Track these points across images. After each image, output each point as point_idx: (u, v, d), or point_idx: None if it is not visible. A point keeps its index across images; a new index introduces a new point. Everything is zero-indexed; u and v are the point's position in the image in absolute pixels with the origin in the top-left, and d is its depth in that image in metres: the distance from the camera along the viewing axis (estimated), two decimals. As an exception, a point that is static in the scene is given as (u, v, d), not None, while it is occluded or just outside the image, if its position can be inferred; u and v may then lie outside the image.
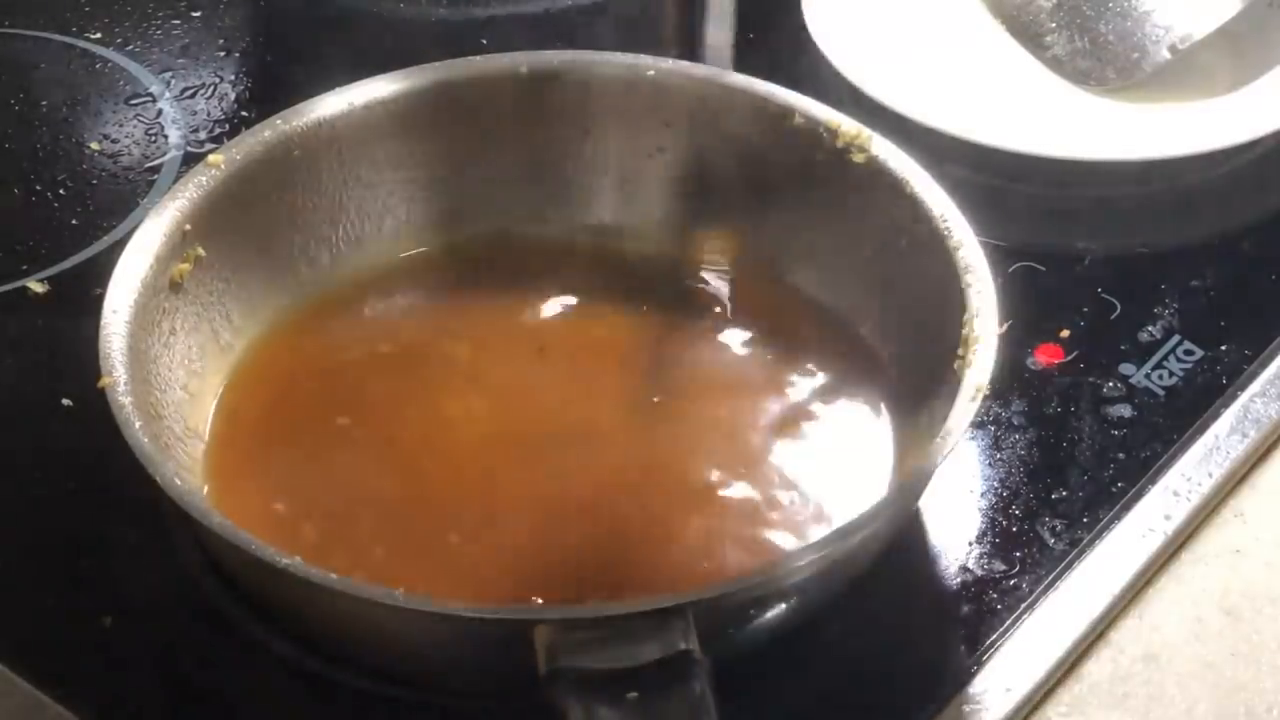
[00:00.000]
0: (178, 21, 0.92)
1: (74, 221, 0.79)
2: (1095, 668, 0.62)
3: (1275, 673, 0.62)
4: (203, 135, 0.84)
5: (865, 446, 0.66)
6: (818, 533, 0.61)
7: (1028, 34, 0.88)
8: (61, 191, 0.81)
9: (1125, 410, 0.69)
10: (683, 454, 0.66)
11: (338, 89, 0.72)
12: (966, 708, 0.60)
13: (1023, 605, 0.62)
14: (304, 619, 0.59)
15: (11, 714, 0.60)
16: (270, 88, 0.87)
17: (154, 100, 0.86)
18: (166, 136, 0.84)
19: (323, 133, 0.71)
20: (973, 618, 0.62)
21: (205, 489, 0.63)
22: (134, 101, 0.86)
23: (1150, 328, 0.73)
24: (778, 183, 0.71)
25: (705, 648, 0.52)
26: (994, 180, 0.78)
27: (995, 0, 0.90)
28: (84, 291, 0.72)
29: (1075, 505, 0.66)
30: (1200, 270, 0.76)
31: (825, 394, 0.68)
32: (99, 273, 0.66)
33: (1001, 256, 0.70)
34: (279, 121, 0.70)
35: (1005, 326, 0.62)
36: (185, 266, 0.66)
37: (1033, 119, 0.83)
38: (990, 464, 0.67)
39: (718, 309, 0.71)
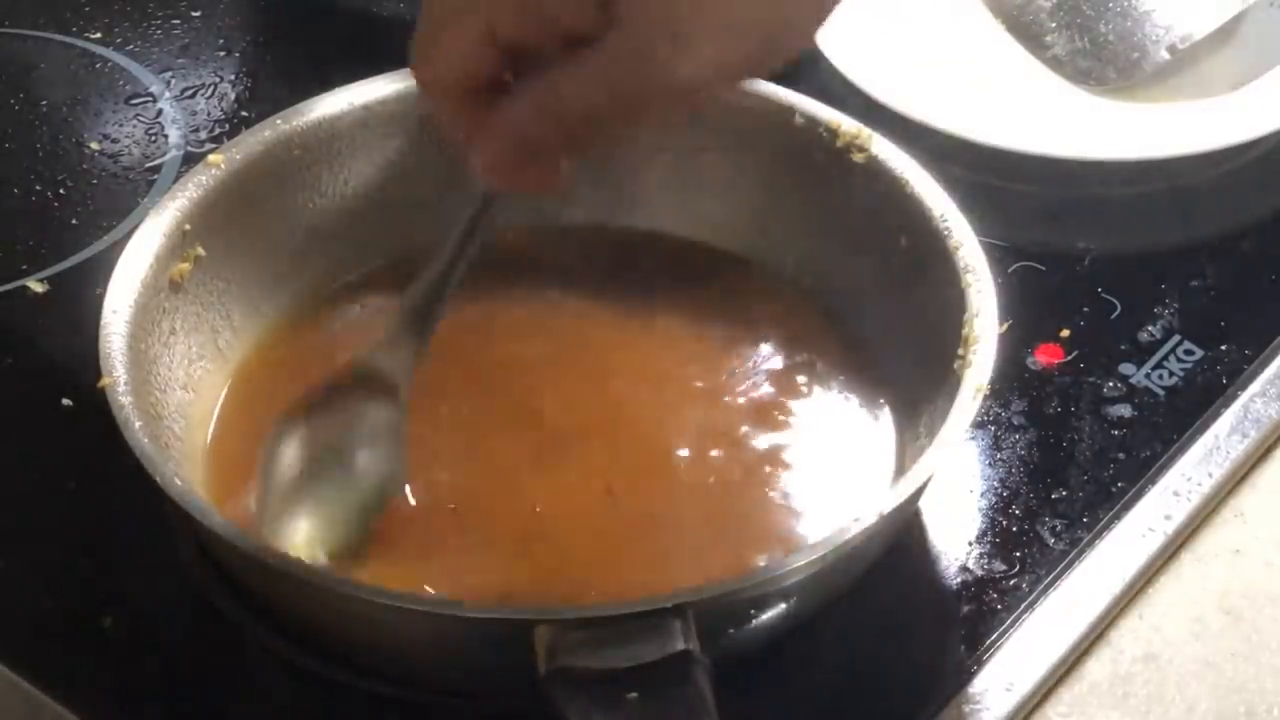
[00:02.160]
0: (178, 21, 0.92)
1: (74, 221, 0.79)
2: (1095, 668, 0.62)
3: (1275, 673, 0.62)
4: (203, 135, 0.84)
5: (865, 446, 0.66)
6: (818, 533, 0.61)
7: (1028, 34, 0.88)
8: (61, 191, 0.81)
9: (1125, 410, 0.69)
10: (682, 453, 0.66)
11: (338, 89, 0.72)
12: (966, 708, 0.60)
13: (1023, 605, 0.62)
14: (304, 619, 0.59)
15: (11, 714, 0.60)
16: (270, 88, 0.87)
17: (154, 100, 0.86)
18: (166, 136, 0.84)
19: (323, 133, 0.71)
20: (973, 618, 0.62)
21: (205, 489, 0.63)
22: (134, 101, 0.87)
23: (1150, 328, 0.73)
24: (778, 182, 0.71)
25: (705, 648, 0.52)
26: (994, 180, 0.78)
27: (995, 0, 0.90)
28: (84, 291, 0.72)
29: (1075, 505, 0.66)
30: (1200, 270, 0.76)
31: (825, 394, 0.68)
32: (99, 273, 0.66)
33: (1001, 256, 0.70)
34: (279, 121, 0.70)
35: (1005, 326, 0.62)
36: (185, 266, 0.66)
37: (1033, 119, 0.83)
38: (990, 464, 0.67)
39: (717, 309, 0.71)
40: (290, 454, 0.61)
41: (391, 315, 0.61)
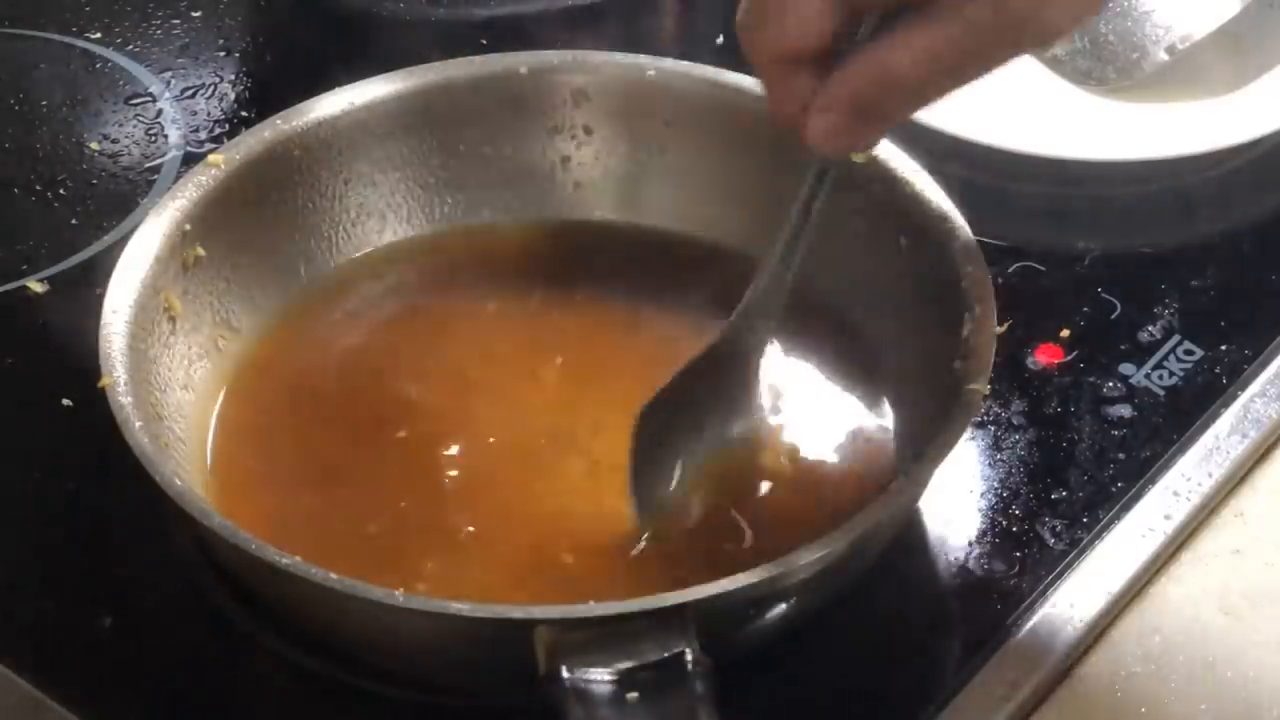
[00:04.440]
0: (178, 21, 0.92)
1: (74, 221, 0.79)
2: (1095, 668, 0.62)
3: (1275, 673, 0.62)
4: (203, 135, 0.84)
5: (865, 446, 0.66)
6: (818, 533, 0.61)
7: (1028, 34, 0.88)
8: (61, 191, 0.81)
9: (1125, 410, 0.69)
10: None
11: (338, 89, 0.72)
12: (966, 708, 0.60)
13: (1023, 605, 0.62)
14: (304, 619, 0.59)
15: (11, 714, 0.60)
16: (270, 88, 0.87)
17: (154, 100, 0.86)
18: (166, 136, 0.84)
19: (323, 133, 0.71)
20: (973, 618, 0.62)
21: (205, 489, 0.63)
22: (134, 101, 0.87)
23: (1150, 328, 0.73)
24: (778, 182, 0.71)
25: (705, 648, 0.52)
26: (994, 180, 0.78)
27: (995, 0, 0.90)
28: (84, 291, 0.72)
29: (1075, 505, 0.66)
30: (1200, 270, 0.76)
31: (825, 394, 0.68)
32: (99, 273, 0.66)
33: (1001, 256, 0.70)
34: (279, 121, 0.70)
35: (1005, 326, 0.62)
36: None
37: (1033, 119, 0.83)
38: (990, 464, 0.67)
39: (717, 309, 0.71)
40: (658, 432, 0.62)
41: (745, 298, 0.62)
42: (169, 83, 0.88)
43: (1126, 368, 0.71)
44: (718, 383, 0.63)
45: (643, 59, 0.73)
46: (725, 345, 0.62)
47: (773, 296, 0.62)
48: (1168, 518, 0.66)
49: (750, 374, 0.64)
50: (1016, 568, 0.64)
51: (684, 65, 0.73)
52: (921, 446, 0.60)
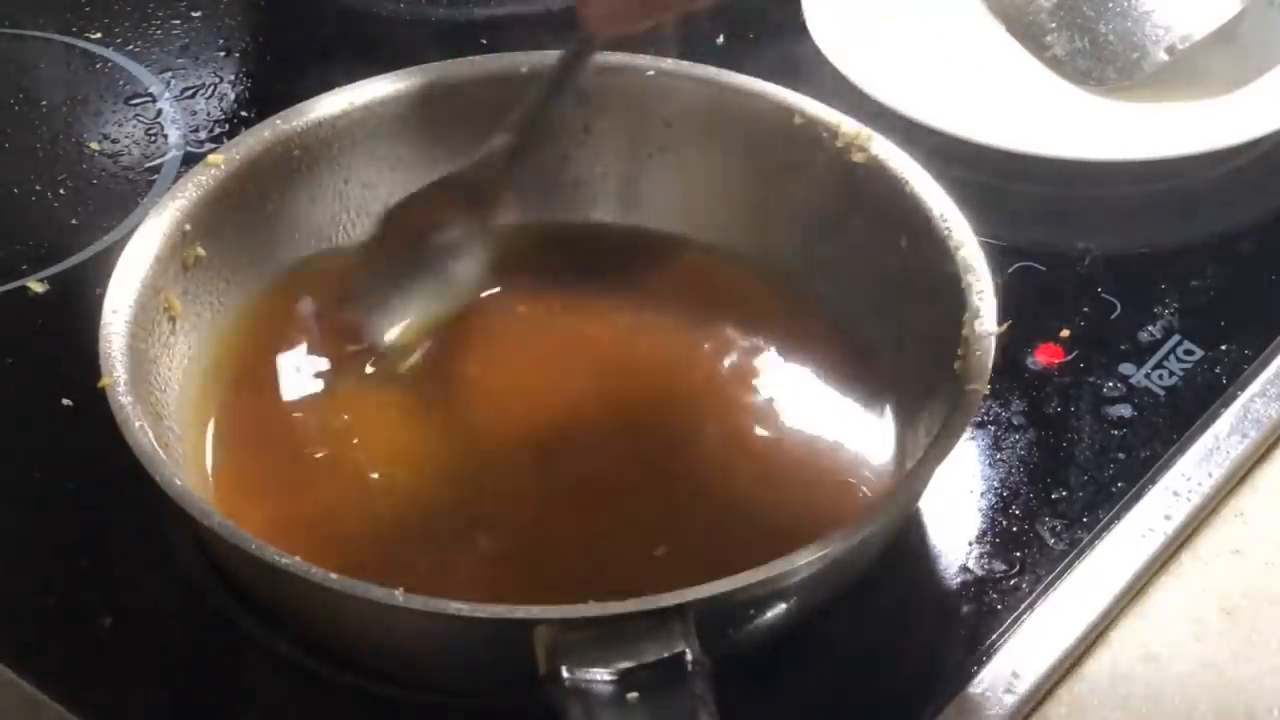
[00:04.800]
0: (178, 21, 0.92)
1: (74, 221, 0.79)
2: (1095, 668, 0.62)
3: (1275, 673, 0.62)
4: (203, 135, 0.84)
5: (865, 447, 0.66)
6: (818, 533, 0.61)
7: (1028, 34, 0.88)
8: (61, 191, 0.81)
9: (1125, 410, 0.69)
10: (682, 453, 0.66)
11: (338, 89, 0.72)
12: (966, 708, 0.60)
13: (1023, 605, 0.63)
14: (304, 619, 0.59)
15: (11, 714, 0.60)
16: (270, 88, 0.87)
17: (154, 100, 0.86)
18: (166, 136, 0.84)
19: (323, 133, 0.71)
20: (973, 618, 0.62)
21: (205, 489, 0.63)
22: (134, 101, 0.87)
23: (1150, 328, 0.73)
24: (778, 183, 0.71)
25: (705, 648, 0.52)
26: (994, 180, 0.78)
27: (995, 0, 0.90)
28: (84, 291, 0.72)
29: (1075, 505, 0.66)
30: (1200, 270, 0.76)
31: (825, 394, 0.68)
32: (99, 273, 0.66)
33: (1001, 256, 0.70)
34: (279, 121, 0.70)
35: (1005, 326, 0.62)
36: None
37: (1033, 119, 0.83)
38: (990, 464, 0.67)
39: (717, 309, 0.71)
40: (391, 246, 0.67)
41: (488, 144, 0.67)
42: (169, 83, 0.88)
43: (1126, 368, 0.71)
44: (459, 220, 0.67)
45: (642, 59, 0.73)
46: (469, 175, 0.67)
47: (517, 152, 0.66)
48: (1168, 518, 0.66)
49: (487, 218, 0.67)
50: (1016, 568, 0.64)
51: (684, 66, 0.73)
52: (921, 446, 0.61)
